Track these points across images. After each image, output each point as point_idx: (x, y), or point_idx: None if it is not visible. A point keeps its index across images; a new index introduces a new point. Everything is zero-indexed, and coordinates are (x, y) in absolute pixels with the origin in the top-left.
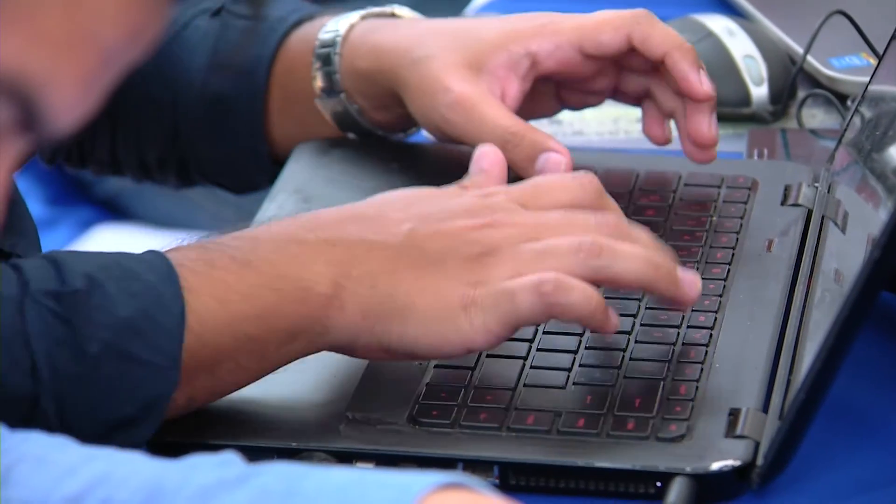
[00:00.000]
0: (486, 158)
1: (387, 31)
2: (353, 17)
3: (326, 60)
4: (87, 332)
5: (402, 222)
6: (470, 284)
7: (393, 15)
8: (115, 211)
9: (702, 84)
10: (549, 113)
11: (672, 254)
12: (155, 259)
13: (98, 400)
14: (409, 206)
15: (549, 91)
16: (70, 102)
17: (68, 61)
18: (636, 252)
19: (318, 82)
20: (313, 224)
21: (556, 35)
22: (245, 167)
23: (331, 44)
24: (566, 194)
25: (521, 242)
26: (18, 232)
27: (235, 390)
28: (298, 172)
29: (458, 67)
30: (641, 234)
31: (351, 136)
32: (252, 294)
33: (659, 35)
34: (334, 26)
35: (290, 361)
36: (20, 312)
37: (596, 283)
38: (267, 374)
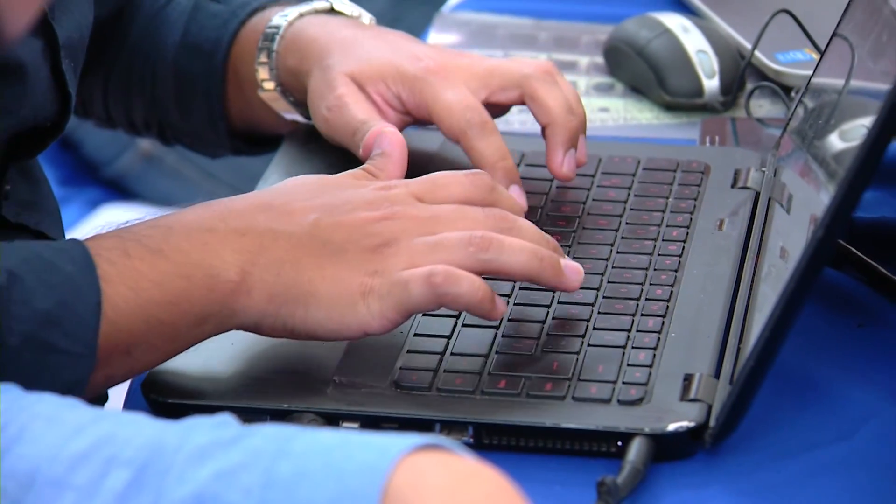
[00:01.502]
0: (386, 139)
1: (314, 32)
2: (294, 13)
3: (268, 54)
4: (8, 326)
5: (307, 212)
6: (368, 273)
7: (332, 10)
8: (121, 191)
9: (562, 167)
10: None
11: (556, 245)
12: (74, 249)
13: (35, 380)
14: (314, 196)
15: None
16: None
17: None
18: (523, 245)
19: (261, 74)
20: (224, 213)
21: (429, 84)
22: (208, 139)
23: (271, 38)
24: (459, 189)
25: (417, 235)
26: (42, 210)
27: (152, 367)
28: (289, 156)
29: (348, 78)
30: (528, 227)
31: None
32: (164, 282)
33: (546, 103)
34: (278, 21)
35: (201, 341)
36: None
37: (484, 273)
38: (179, 353)
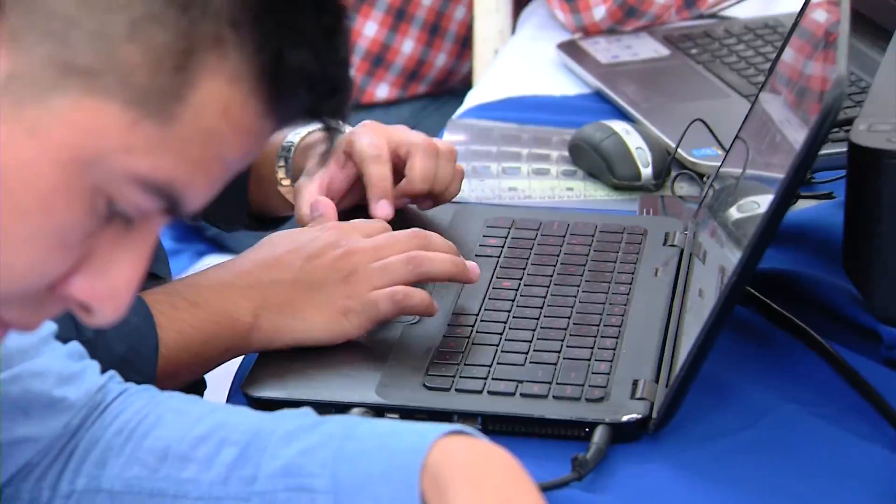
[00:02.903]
0: (320, 205)
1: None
2: (304, 131)
3: (285, 161)
4: (108, 350)
5: (293, 262)
6: (344, 297)
7: (332, 126)
8: (218, 246)
9: (378, 209)
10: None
11: (456, 249)
12: (138, 305)
13: None
14: (295, 248)
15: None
16: (201, 195)
17: (202, 174)
18: (443, 257)
19: (279, 174)
20: (235, 272)
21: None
22: (232, 219)
23: (287, 150)
24: (382, 225)
25: (369, 263)
26: (158, 258)
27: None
28: None
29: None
30: (437, 238)
31: None
32: (201, 326)
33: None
34: (292, 137)
35: (223, 363)
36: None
37: (421, 281)
38: (209, 372)
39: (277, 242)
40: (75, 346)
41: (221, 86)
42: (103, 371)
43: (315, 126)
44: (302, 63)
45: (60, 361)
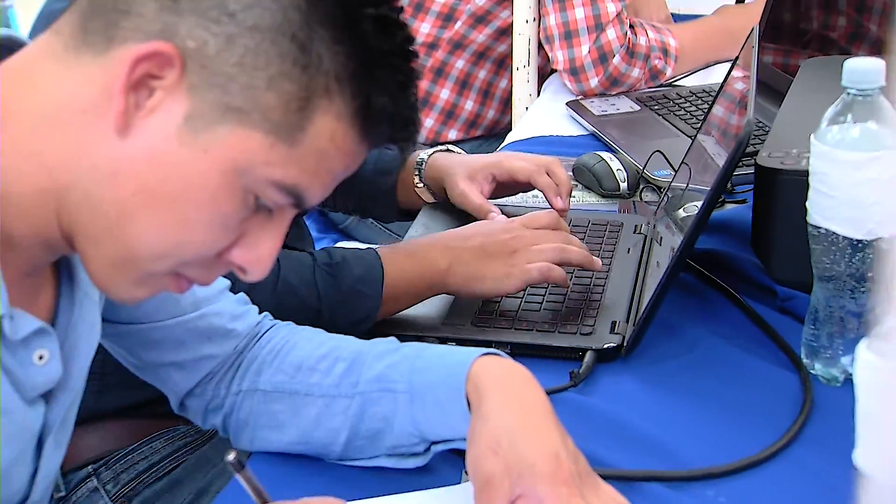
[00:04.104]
0: (495, 211)
1: (443, 160)
2: (430, 151)
3: (419, 171)
4: (342, 281)
5: (478, 238)
6: (509, 266)
7: (448, 150)
8: (347, 235)
9: (557, 203)
10: (505, 195)
11: (585, 246)
12: (371, 252)
13: (347, 312)
14: (481, 230)
15: (500, 187)
16: (317, 195)
17: (317, 182)
18: (579, 250)
19: (415, 181)
20: (439, 238)
21: (497, 165)
22: (385, 215)
23: (420, 163)
24: (545, 220)
25: (529, 245)
26: (305, 240)
27: (403, 311)
28: (424, 217)
29: (464, 176)
30: (575, 240)
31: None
32: (412, 268)
33: (551, 178)
34: (423, 156)
35: (428, 298)
36: (312, 272)
37: (562, 263)
38: (416, 304)
39: (471, 226)
40: (241, 296)
41: (330, 121)
42: (347, 285)
43: (436, 149)
44: (384, 106)
45: (232, 305)
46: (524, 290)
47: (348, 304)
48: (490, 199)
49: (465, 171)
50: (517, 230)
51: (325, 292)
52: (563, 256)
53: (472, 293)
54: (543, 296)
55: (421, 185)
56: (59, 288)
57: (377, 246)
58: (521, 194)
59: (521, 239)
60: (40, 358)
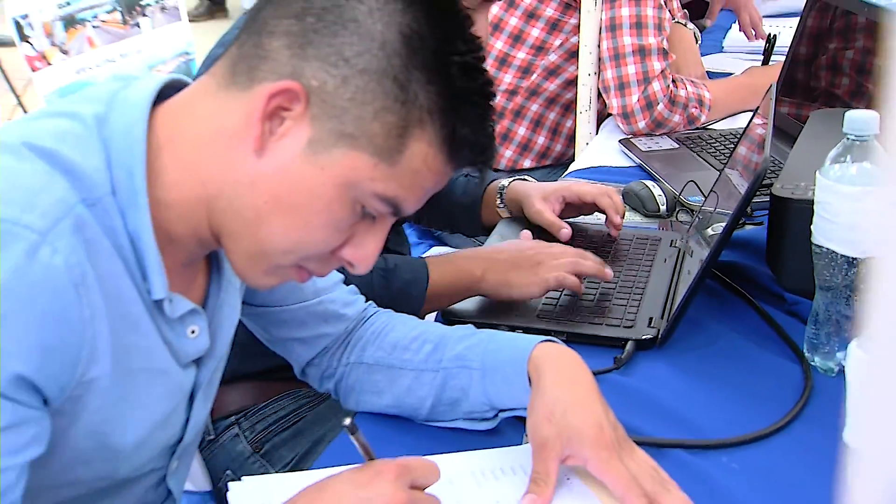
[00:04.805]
0: (563, 234)
1: (521, 186)
2: (510, 179)
3: (500, 195)
4: (393, 283)
5: (510, 251)
6: (532, 274)
7: (524, 179)
8: (441, 242)
9: (616, 219)
10: (574, 216)
11: (600, 260)
12: (418, 260)
13: (395, 308)
14: (513, 246)
15: (568, 207)
16: (412, 206)
17: (412, 195)
18: (592, 264)
19: (498, 202)
20: (477, 251)
21: (567, 189)
22: (472, 230)
23: (501, 188)
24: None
25: (550, 259)
26: (403, 245)
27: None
28: (500, 230)
29: (539, 197)
30: (591, 255)
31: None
32: (451, 273)
33: (615, 202)
34: (504, 182)
35: (465, 299)
36: (370, 275)
37: (577, 274)
38: (455, 303)
39: (505, 243)
40: (353, 287)
41: (423, 146)
42: (397, 287)
43: (514, 178)
44: (466, 135)
45: (344, 295)
46: (574, 294)
47: (396, 302)
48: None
49: (540, 194)
50: (541, 247)
51: (378, 292)
52: (576, 268)
53: (501, 297)
54: (594, 295)
55: (502, 206)
56: (209, 277)
57: (427, 255)
58: (582, 216)
59: (544, 254)
60: (192, 332)
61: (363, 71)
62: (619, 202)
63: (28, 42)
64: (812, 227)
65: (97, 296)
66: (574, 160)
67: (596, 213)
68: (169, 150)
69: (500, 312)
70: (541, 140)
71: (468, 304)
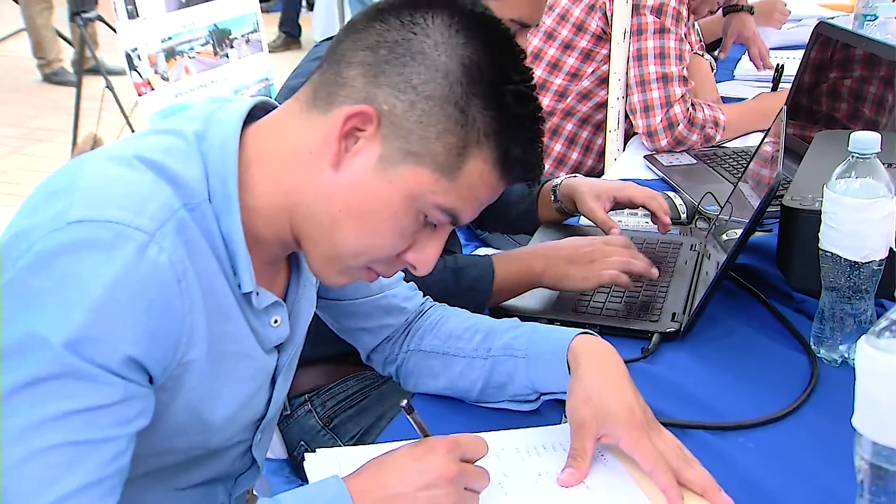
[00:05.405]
0: (614, 231)
1: (573, 182)
2: (563, 178)
3: (554, 193)
4: (462, 279)
5: (569, 248)
6: (587, 270)
7: (575, 176)
8: (485, 244)
9: (665, 219)
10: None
11: (649, 260)
12: (488, 259)
13: (462, 303)
14: (573, 243)
15: (616, 206)
16: (468, 216)
17: (469, 206)
18: (642, 264)
19: (552, 198)
20: (538, 248)
21: (620, 190)
22: (528, 228)
23: (555, 187)
24: (617, 242)
25: (604, 257)
26: (455, 245)
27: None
28: (539, 235)
29: (592, 196)
30: (640, 255)
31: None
32: (515, 269)
33: (663, 205)
34: (556, 181)
35: (527, 292)
36: (442, 272)
37: (628, 272)
38: (518, 296)
39: (563, 241)
40: (412, 284)
41: (479, 163)
42: (465, 284)
43: (566, 176)
44: (518, 155)
45: (405, 290)
46: (609, 289)
47: (464, 297)
48: None
49: (592, 193)
50: (596, 245)
51: (449, 289)
52: (628, 266)
53: (559, 289)
54: (623, 292)
55: (556, 203)
56: (289, 274)
57: (494, 252)
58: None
59: (599, 252)
60: (275, 322)
61: (428, 97)
62: (665, 206)
63: (136, 71)
64: (819, 234)
65: (195, 289)
66: (604, 174)
67: (626, 210)
68: (257, 163)
69: (541, 307)
70: (574, 156)
71: (513, 301)
